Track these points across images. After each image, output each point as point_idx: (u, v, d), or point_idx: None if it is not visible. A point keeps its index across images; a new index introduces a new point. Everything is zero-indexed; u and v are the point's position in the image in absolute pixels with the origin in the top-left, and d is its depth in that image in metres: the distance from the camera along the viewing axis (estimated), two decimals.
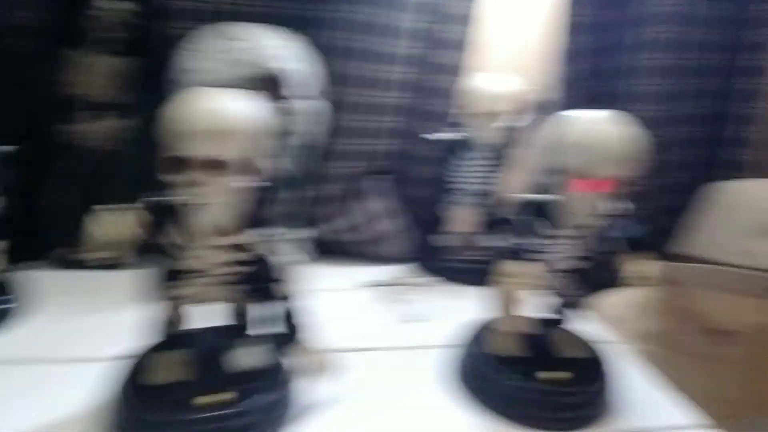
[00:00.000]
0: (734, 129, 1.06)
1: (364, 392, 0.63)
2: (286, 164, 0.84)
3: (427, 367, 0.68)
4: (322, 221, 0.98)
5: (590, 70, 1.05)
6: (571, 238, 0.60)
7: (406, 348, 0.72)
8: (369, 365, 0.68)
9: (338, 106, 0.93)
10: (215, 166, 0.48)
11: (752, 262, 0.79)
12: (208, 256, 0.53)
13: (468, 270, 0.94)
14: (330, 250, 1.02)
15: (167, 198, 0.52)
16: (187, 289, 0.54)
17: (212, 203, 0.50)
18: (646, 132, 0.95)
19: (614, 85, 1.06)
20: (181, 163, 0.48)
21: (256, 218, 0.54)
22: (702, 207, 0.91)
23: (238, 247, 0.53)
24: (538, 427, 0.58)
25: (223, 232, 0.52)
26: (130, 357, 0.57)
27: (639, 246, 0.58)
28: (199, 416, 0.52)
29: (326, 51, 0.92)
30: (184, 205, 0.51)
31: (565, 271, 0.63)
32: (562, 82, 1.04)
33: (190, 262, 0.53)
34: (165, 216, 0.52)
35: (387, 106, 0.97)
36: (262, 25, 0.88)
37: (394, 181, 1.07)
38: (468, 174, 0.94)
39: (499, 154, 0.93)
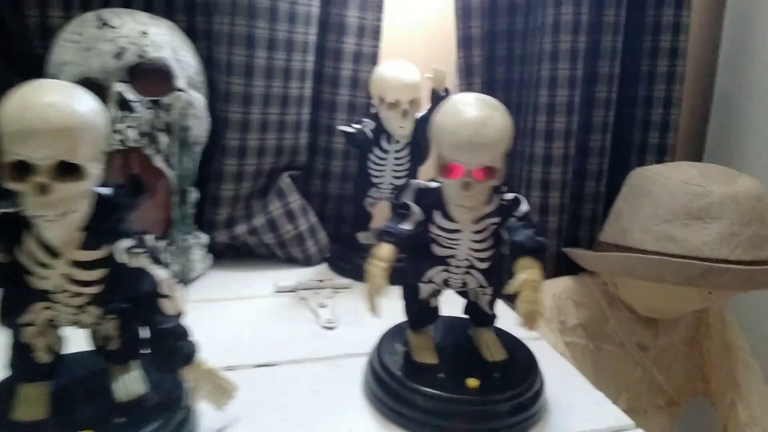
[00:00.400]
0: (655, 112, 1.06)
1: (271, 411, 0.56)
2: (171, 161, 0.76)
3: (342, 380, 0.62)
4: (225, 224, 0.90)
5: (487, 57, 1.02)
6: (463, 231, 0.55)
7: (320, 359, 0.66)
8: (277, 380, 0.62)
9: (228, 98, 0.86)
10: (64, 170, 0.40)
11: (677, 248, 0.78)
12: (65, 273, 0.44)
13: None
14: (237, 254, 0.95)
15: (13, 209, 0.43)
16: (43, 313, 0.46)
17: (64, 213, 0.42)
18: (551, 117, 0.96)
19: (511, 72, 1.04)
20: (24, 169, 0.40)
21: (116, 228, 0.46)
22: (624, 194, 0.89)
23: (102, 262, 0.45)
24: None
25: (79, 245, 0.44)
26: None
27: (531, 253, 0.52)
28: None
29: (213, 38, 0.85)
30: (33, 216, 0.42)
31: (472, 267, 0.59)
32: (459, 69, 1.01)
33: (43, 282, 0.44)
34: (12, 230, 0.44)
35: (289, 97, 0.90)
36: (145, 11, 0.80)
37: (305, 178, 1.01)
38: (384, 167, 0.89)
39: (412, 145, 0.88)
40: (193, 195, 0.82)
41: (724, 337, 0.94)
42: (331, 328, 0.74)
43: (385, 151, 0.88)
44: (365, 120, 0.89)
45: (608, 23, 1.00)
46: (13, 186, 0.40)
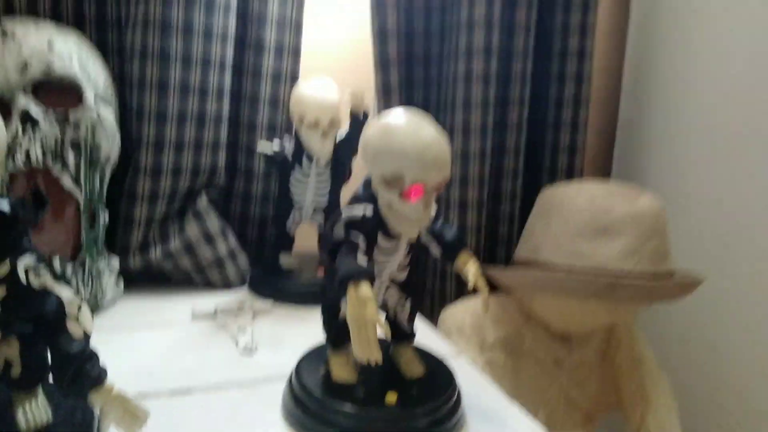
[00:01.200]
0: (563, 135, 1.12)
1: None
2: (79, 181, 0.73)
3: (262, 404, 0.60)
4: (138, 248, 0.87)
5: (404, 79, 1.05)
6: (400, 248, 0.57)
7: (238, 385, 0.64)
8: (192, 407, 0.59)
9: (140, 116, 0.84)
10: None
11: (585, 262, 0.82)
12: None
13: (306, 291, 0.88)
14: (152, 279, 0.91)
15: None
16: None
17: None
18: (466, 139, 1.00)
19: (428, 94, 1.08)
20: None
21: (15, 244, 0.43)
22: (536, 212, 0.93)
23: (1, 281, 0.43)
24: None
25: None
26: None
27: (465, 246, 0.60)
28: None
29: (125, 54, 0.83)
30: None
31: (396, 282, 0.60)
32: (377, 91, 1.03)
33: None
34: None
35: (206, 116, 0.89)
36: (52, 23, 0.77)
37: (225, 200, 0.99)
38: (305, 188, 0.89)
39: (333, 165, 0.89)
40: (104, 216, 0.79)
41: (632, 350, 0.98)
42: (250, 354, 0.72)
43: (306, 172, 0.88)
44: (285, 137, 0.89)
45: (518, 50, 1.05)
46: None
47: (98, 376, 0.47)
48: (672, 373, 1.03)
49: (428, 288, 1.06)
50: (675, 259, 0.90)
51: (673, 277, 0.85)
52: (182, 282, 0.92)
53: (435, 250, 0.60)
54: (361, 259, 0.52)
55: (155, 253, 0.86)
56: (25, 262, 0.44)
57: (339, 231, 0.55)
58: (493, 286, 0.96)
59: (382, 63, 1.02)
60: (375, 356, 0.49)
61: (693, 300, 0.95)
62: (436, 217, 0.59)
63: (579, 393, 0.97)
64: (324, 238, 0.60)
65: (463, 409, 0.61)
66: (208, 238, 0.89)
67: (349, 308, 0.49)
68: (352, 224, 0.54)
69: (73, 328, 0.46)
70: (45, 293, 0.45)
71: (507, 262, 1.08)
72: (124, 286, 0.85)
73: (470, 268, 0.59)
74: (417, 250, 0.60)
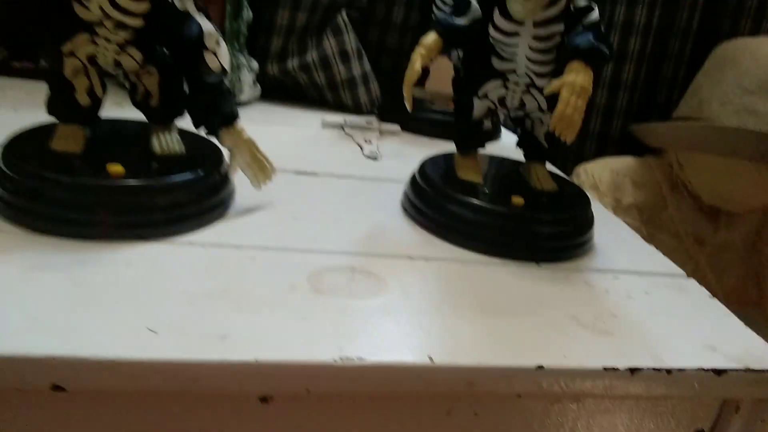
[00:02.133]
0: None
1: (306, 203, 0.54)
2: None
3: (381, 195, 0.60)
4: (277, 56, 0.87)
5: None
6: (521, 35, 0.50)
7: (360, 178, 0.64)
8: (315, 185, 0.60)
9: None
10: None
11: (758, 123, 0.71)
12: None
13: (434, 122, 0.85)
14: (287, 93, 0.92)
15: None
16: (85, 47, 0.44)
17: None
18: None
19: None
20: None
21: None
22: (707, 67, 0.82)
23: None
24: (504, 255, 0.50)
25: None
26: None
27: (585, 57, 0.46)
28: (114, 184, 0.42)
29: None
30: None
31: (532, 85, 0.54)
32: None
33: (88, 10, 0.42)
34: None
35: None
36: None
37: (364, 25, 0.96)
38: None
39: None
40: (247, 13, 0.79)
41: None
42: (374, 159, 0.71)
43: None
44: None
45: None
46: None
47: (230, 113, 0.48)
48: None
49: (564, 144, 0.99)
50: None
51: None
52: (315, 99, 0.92)
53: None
54: (462, 20, 0.51)
55: (292, 63, 0.86)
56: None
57: None
58: (641, 150, 0.88)
59: None
60: (406, 94, 0.52)
61: None
62: (590, 24, 0.48)
63: (716, 279, 0.89)
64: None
65: (593, 233, 0.56)
66: (344, 56, 0.87)
67: None
68: None
69: (210, 59, 0.46)
70: (187, 17, 0.45)
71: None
72: (261, 95, 0.87)
73: (567, 75, 0.45)
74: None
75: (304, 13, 0.85)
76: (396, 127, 0.84)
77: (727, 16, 0.97)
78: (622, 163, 0.86)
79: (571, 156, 0.98)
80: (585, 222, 0.55)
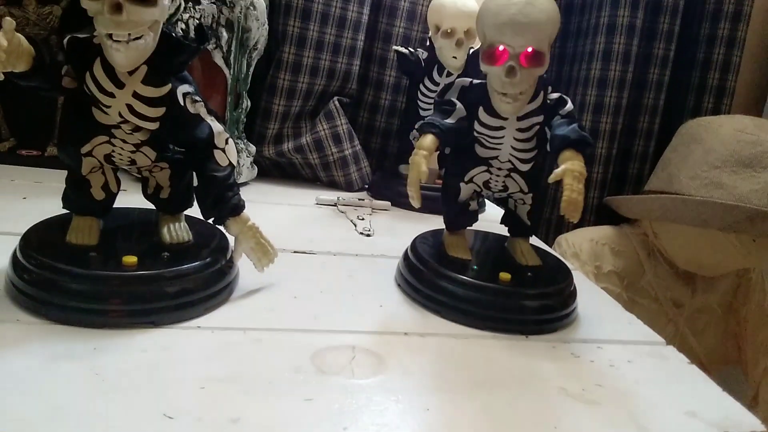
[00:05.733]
0: (712, 75, 1.04)
1: (306, 284, 0.57)
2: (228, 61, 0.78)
3: (376, 272, 0.63)
4: (273, 139, 0.92)
5: None
6: (506, 128, 0.55)
7: (355, 255, 0.68)
8: (313, 264, 0.63)
9: (287, 11, 0.88)
10: None
11: (724, 195, 0.76)
12: (128, 103, 0.46)
13: (424, 198, 0.89)
14: (282, 173, 0.97)
15: (85, 35, 0.45)
16: (102, 147, 0.48)
17: (133, 37, 0.43)
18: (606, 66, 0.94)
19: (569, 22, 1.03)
20: None
21: (178, 70, 0.48)
22: (675, 143, 0.88)
23: (162, 100, 0.47)
24: (494, 329, 0.53)
25: (143, 79, 0.46)
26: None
27: (575, 145, 0.51)
28: (127, 274, 0.46)
29: None
30: (102, 38, 0.44)
31: (519, 171, 0.59)
32: None
33: (106, 114, 0.47)
34: (82, 56, 0.46)
35: (347, 20, 0.92)
36: None
37: (353, 109, 1.02)
38: (431, 101, 0.89)
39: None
40: (246, 102, 0.84)
41: (763, 303, 0.91)
42: (368, 236, 0.75)
43: (436, 84, 0.88)
44: (419, 49, 0.90)
45: None
46: (88, 5, 0.42)
47: (237, 204, 0.51)
48: None
49: (545, 217, 1.04)
50: None
51: None
52: (309, 178, 0.96)
53: (548, 145, 0.55)
54: (450, 120, 0.55)
55: (287, 146, 0.91)
56: (184, 88, 0.48)
57: (449, 96, 0.57)
58: (617, 219, 0.92)
59: None
60: (414, 195, 0.55)
61: None
62: (566, 114, 0.54)
63: (696, 341, 0.92)
64: (435, 103, 0.60)
65: (576, 305, 0.59)
66: (336, 138, 0.92)
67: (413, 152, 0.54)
68: (460, 90, 0.57)
69: (219, 157, 0.50)
70: (199, 120, 0.49)
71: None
72: (258, 175, 0.91)
73: (566, 164, 0.49)
74: (542, 144, 0.58)
75: (299, 101, 0.91)
76: (387, 204, 0.88)
77: (690, 94, 1.05)
78: (601, 232, 0.90)
79: (552, 226, 1.03)
80: (568, 295, 0.59)
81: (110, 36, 0.43)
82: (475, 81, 0.57)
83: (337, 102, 0.94)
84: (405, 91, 0.99)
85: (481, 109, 0.55)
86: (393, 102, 1.02)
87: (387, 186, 0.94)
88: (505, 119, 0.55)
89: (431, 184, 0.94)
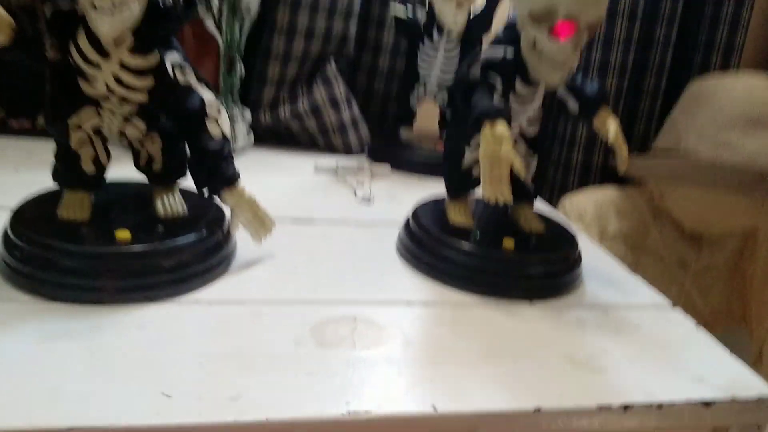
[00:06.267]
0: (720, 31, 1.01)
1: (305, 254, 0.56)
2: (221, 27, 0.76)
3: (377, 240, 0.62)
4: (269, 105, 0.90)
5: None
6: (537, 96, 0.54)
7: (355, 223, 0.66)
8: (313, 234, 0.62)
9: None
10: None
11: (733, 155, 0.74)
12: (114, 74, 0.44)
13: (423, 161, 0.88)
14: (279, 140, 0.95)
15: (68, 6, 0.43)
16: (91, 119, 0.47)
17: (118, 4, 0.41)
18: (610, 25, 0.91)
19: None
20: None
21: (166, 38, 0.46)
22: (682, 103, 0.85)
23: (150, 70, 0.45)
24: (498, 295, 0.52)
25: (130, 48, 0.44)
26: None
27: (599, 103, 0.54)
28: (121, 250, 0.44)
29: None
30: (87, 7, 0.42)
31: (525, 136, 0.57)
32: None
33: (93, 86, 0.45)
34: (66, 27, 0.44)
35: None
36: None
37: (352, 73, 1.00)
38: (432, 62, 0.87)
39: (463, 42, 0.86)
40: (240, 68, 0.82)
41: None
42: (368, 202, 0.73)
43: (436, 46, 0.86)
44: (418, 5, 0.87)
45: None
46: None
47: (232, 175, 0.50)
48: None
49: (550, 178, 1.02)
50: None
51: None
52: (307, 143, 0.94)
53: (573, 105, 0.55)
54: (498, 101, 0.52)
55: (284, 112, 0.89)
56: (172, 58, 0.46)
57: (475, 72, 0.53)
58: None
59: None
60: (505, 195, 0.48)
61: None
62: (576, 71, 0.54)
63: (702, 300, 0.91)
64: (459, 80, 0.57)
65: (581, 270, 0.58)
66: (334, 103, 0.90)
67: (483, 145, 0.48)
68: (490, 65, 0.53)
69: (212, 127, 0.48)
70: (189, 90, 0.47)
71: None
72: (254, 142, 0.89)
73: (610, 125, 0.53)
74: (551, 101, 0.57)
75: (295, 65, 0.88)
76: (386, 168, 0.86)
77: (698, 52, 1.02)
78: (605, 193, 0.89)
79: (556, 187, 1.01)
80: (573, 260, 0.58)
81: (93, 5, 0.41)
82: (507, 54, 0.52)
83: (334, 66, 0.91)
84: (404, 52, 0.96)
85: (518, 79, 0.53)
86: (392, 65, 0.99)
87: (387, 149, 0.92)
88: (538, 88, 0.53)
89: (431, 147, 0.93)
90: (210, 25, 0.74)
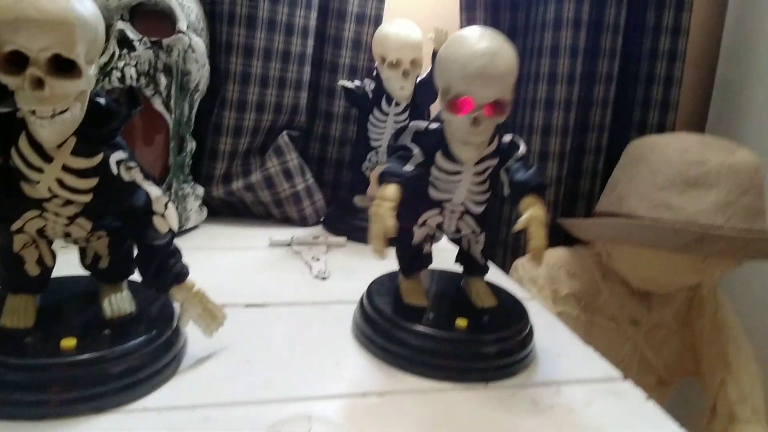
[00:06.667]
0: (656, 90, 1.06)
1: (259, 344, 0.55)
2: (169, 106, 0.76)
3: (332, 322, 0.62)
4: (222, 179, 0.90)
5: (490, 23, 1.02)
6: (463, 172, 0.55)
7: (311, 304, 0.66)
8: (266, 318, 0.61)
9: (229, 49, 0.86)
10: (59, 66, 0.40)
11: (673, 215, 0.78)
12: (57, 178, 0.44)
13: None
14: (233, 211, 0.95)
15: (9, 110, 0.43)
16: (34, 222, 0.46)
17: (58, 112, 0.41)
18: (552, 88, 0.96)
19: (514, 39, 1.04)
20: (19, 62, 0.39)
21: (109, 138, 0.46)
22: (622, 163, 0.89)
23: (94, 171, 0.45)
24: (453, 379, 0.53)
25: (72, 151, 0.44)
26: None
27: (535, 190, 0.52)
28: (67, 360, 0.43)
29: None
30: (26, 114, 0.41)
31: (472, 214, 0.59)
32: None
33: (35, 189, 0.44)
34: (6, 132, 0.43)
35: (291, 54, 0.90)
36: None
37: (304, 141, 1.01)
38: (383, 130, 0.89)
39: (411, 108, 0.88)
40: (191, 144, 0.82)
41: (716, 315, 0.93)
42: (323, 279, 0.73)
43: (385, 114, 0.88)
44: (366, 80, 0.89)
45: None
46: (7, 80, 0.40)
47: (180, 272, 0.49)
48: (759, 343, 0.96)
49: (501, 239, 1.04)
50: None
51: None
52: (261, 215, 0.94)
53: (506, 189, 0.56)
54: (408, 167, 0.53)
55: (237, 184, 0.89)
56: (117, 155, 0.46)
57: (404, 140, 0.56)
58: (571, 239, 0.93)
59: (467, 5, 1.00)
60: (379, 251, 0.51)
61: None
62: (520, 157, 0.55)
63: (654, 355, 0.94)
64: (388, 147, 0.59)
65: (534, 344, 0.59)
66: (287, 173, 0.91)
67: (374, 202, 0.51)
68: (414, 134, 0.55)
69: (159, 223, 0.48)
70: (135, 187, 0.47)
71: (586, 216, 1.04)
72: (207, 216, 0.89)
73: (529, 212, 0.50)
74: (494, 185, 0.58)
75: (246, 139, 0.89)
76: (342, 240, 0.87)
77: (636, 108, 1.07)
78: (556, 255, 0.91)
79: (508, 249, 1.03)
80: (526, 335, 0.58)
81: (34, 112, 0.41)
82: (431, 125, 0.55)
83: (286, 136, 0.92)
84: (355, 120, 0.98)
85: (439, 153, 0.55)
86: (344, 132, 1.00)
87: (342, 219, 0.92)
88: (463, 164, 0.54)
89: None
90: (158, 105, 0.74)
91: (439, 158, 0.55)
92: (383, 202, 0.51)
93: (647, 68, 1.07)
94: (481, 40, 0.50)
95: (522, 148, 0.55)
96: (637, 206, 0.81)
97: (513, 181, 0.53)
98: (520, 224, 0.50)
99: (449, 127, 0.53)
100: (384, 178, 0.53)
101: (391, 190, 0.51)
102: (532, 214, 0.50)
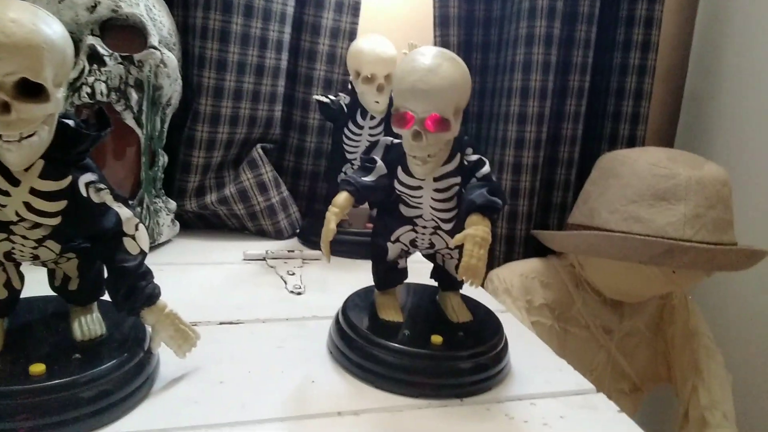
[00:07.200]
0: (626, 103, 1.08)
1: (233, 363, 0.55)
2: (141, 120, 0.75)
3: (307, 338, 0.62)
4: (195, 192, 0.89)
5: (464, 39, 1.03)
6: (424, 188, 0.55)
7: (285, 320, 0.66)
8: (240, 336, 0.61)
9: (202, 63, 0.85)
10: (26, 90, 0.39)
11: (643, 228, 0.79)
12: (25, 201, 0.43)
13: (355, 243, 0.89)
14: (207, 224, 0.94)
15: None
16: (1, 245, 0.45)
17: (25, 136, 0.40)
18: (524, 102, 0.97)
19: (487, 55, 1.06)
20: None
21: (78, 160, 0.45)
22: (593, 176, 0.91)
23: (62, 193, 0.44)
24: (429, 396, 0.53)
25: (40, 174, 0.43)
26: None
27: (481, 210, 0.50)
28: (36, 386, 0.42)
29: (190, 2, 0.85)
30: None
31: (438, 228, 0.59)
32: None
33: (2, 212, 0.43)
34: None
35: (265, 67, 0.90)
36: None
37: (278, 154, 1.00)
38: (358, 143, 0.89)
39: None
40: (163, 159, 0.81)
41: (687, 323, 0.95)
42: (298, 294, 0.73)
43: (360, 127, 0.88)
44: (341, 94, 0.89)
45: (582, 15, 1.02)
46: None
47: (152, 294, 0.49)
48: (729, 350, 0.99)
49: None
50: (737, 235, 0.85)
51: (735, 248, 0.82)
52: (235, 229, 0.94)
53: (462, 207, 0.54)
54: (370, 177, 0.56)
55: (211, 198, 0.88)
56: (86, 177, 0.46)
57: (374, 154, 0.57)
58: (544, 250, 0.95)
59: (441, 21, 1.01)
60: (324, 253, 0.55)
61: (754, 274, 0.91)
62: (482, 177, 0.53)
63: (627, 363, 0.95)
64: (360, 160, 0.60)
65: (509, 358, 0.60)
66: (262, 186, 0.90)
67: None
68: (385, 149, 0.57)
69: (129, 245, 0.47)
70: (104, 209, 0.47)
71: (559, 229, 1.05)
72: (180, 230, 0.88)
73: (469, 229, 0.49)
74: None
75: (219, 152, 0.88)
76: (318, 253, 0.86)
77: (607, 121, 1.09)
78: (530, 266, 0.92)
79: None
80: (501, 350, 0.59)
81: (0, 136, 0.40)
82: (396, 140, 0.57)
83: (260, 149, 0.92)
84: (330, 132, 0.98)
85: (399, 168, 0.55)
86: (319, 144, 1.00)
87: (317, 232, 0.91)
88: (422, 179, 0.55)
89: (362, 229, 0.94)
90: (129, 120, 0.73)
91: (399, 172, 0.56)
92: (331, 207, 0.54)
93: (618, 83, 1.09)
94: (423, 57, 0.50)
95: (485, 168, 0.54)
96: (608, 219, 0.83)
97: (463, 199, 0.53)
98: (455, 240, 0.50)
99: (403, 141, 0.54)
100: (339, 186, 0.56)
101: (341, 198, 0.55)
102: (469, 231, 0.49)
